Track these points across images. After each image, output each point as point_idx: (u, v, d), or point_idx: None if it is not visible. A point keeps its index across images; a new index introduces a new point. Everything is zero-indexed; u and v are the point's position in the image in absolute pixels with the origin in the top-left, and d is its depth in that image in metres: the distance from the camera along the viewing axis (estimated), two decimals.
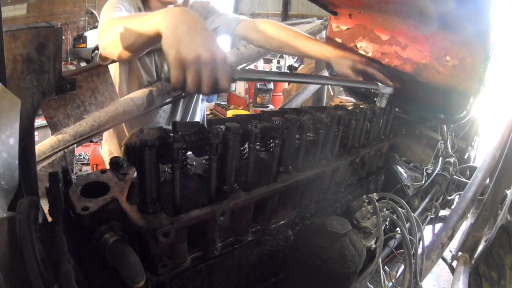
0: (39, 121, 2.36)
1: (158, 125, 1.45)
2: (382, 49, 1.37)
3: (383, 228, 0.89)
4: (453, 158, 1.59)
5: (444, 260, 1.48)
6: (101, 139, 2.17)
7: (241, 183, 0.72)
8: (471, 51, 1.08)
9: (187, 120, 1.75)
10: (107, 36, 0.98)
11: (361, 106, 1.16)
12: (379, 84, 1.14)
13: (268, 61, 8.34)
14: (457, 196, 1.60)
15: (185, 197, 0.71)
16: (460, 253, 1.33)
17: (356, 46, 1.47)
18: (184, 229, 0.64)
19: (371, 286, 0.91)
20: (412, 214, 0.94)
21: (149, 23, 0.79)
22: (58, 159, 1.32)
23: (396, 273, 1.08)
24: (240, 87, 7.30)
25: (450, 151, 1.63)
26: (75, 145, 1.38)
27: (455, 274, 1.22)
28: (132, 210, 0.60)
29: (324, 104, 2.89)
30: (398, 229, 0.91)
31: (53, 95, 0.82)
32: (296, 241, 0.82)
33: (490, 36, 1.00)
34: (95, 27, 10.86)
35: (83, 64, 9.55)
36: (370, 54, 1.42)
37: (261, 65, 7.81)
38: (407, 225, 0.92)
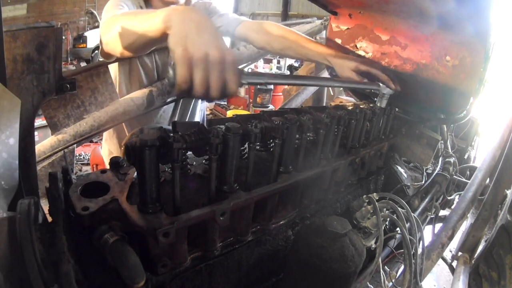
0: (39, 121, 2.36)
1: (158, 125, 1.45)
2: (382, 49, 1.37)
3: (383, 228, 0.89)
4: (453, 158, 1.59)
5: (444, 260, 1.48)
6: (101, 139, 2.17)
7: (241, 183, 0.72)
8: (471, 51, 1.08)
9: (187, 120, 1.75)
10: (111, 32, 0.96)
11: (361, 106, 1.16)
12: (380, 85, 1.14)
13: (268, 61, 8.34)
14: (457, 196, 1.60)
15: (185, 197, 0.71)
16: (460, 253, 1.33)
17: (356, 46, 1.47)
18: (184, 229, 0.64)
19: (371, 286, 0.91)
20: (412, 214, 0.94)
21: (155, 20, 0.77)
22: (58, 159, 1.32)
23: (396, 273, 1.08)
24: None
25: (450, 151, 1.63)
26: (75, 145, 1.38)
27: (455, 274, 1.22)
28: (132, 210, 0.60)
29: (324, 104, 2.89)
30: (398, 229, 0.91)
31: (53, 95, 0.82)
32: (296, 241, 0.82)
33: (490, 36, 1.00)
34: (95, 27, 10.87)
35: (83, 64, 9.55)
36: (370, 54, 1.42)
37: (261, 65, 7.81)
38: (407, 225, 0.92)
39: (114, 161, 0.74)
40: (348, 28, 1.48)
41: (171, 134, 0.60)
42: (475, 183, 1.34)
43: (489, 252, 1.22)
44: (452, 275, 1.26)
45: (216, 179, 0.66)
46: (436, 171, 1.46)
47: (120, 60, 1.44)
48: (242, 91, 7.26)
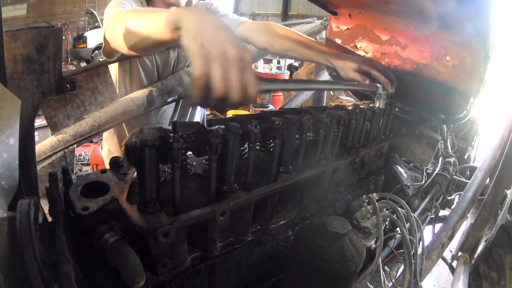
0: (39, 121, 2.36)
1: (158, 125, 1.45)
2: (382, 49, 1.37)
3: (383, 228, 0.89)
4: (453, 158, 1.59)
5: (444, 260, 1.48)
6: (101, 139, 2.17)
7: (241, 183, 0.72)
8: (471, 51, 1.08)
9: (187, 120, 1.75)
10: (119, 28, 0.93)
11: (361, 106, 1.16)
12: (378, 86, 1.15)
13: (268, 61, 8.33)
14: (457, 196, 1.60)
15: (185, 197, 0.71)
16: (460, 253, 1.33)
17: (356, 46, 1.47)
18: (184, 229, 0.64)
19: (371, 286, 0.91)
20: (412, 214, 0.94)
21: (167, 18, 0.73)
22: (58, 159, 1.32)
23: (396, 273, 1.08)
24: None
25: (450, 151, 1.63)
26: (75, 145, 1.38)
27: (455, 274, 1.22)
28: (132, 210, 0.60)
29: (324, 104, 2.89)
30: (398, 229, 0.91)
31: (53, 95, 0.82)
32: (296, 241, 0.82)
33: (490, 36, 1.00)
34: (95, 27, 10.87)
35: (83, 64, 9.55)
36: (370, 54, 1.42)
37: (261, 65, 7.80)
38: (407, 225, 0.92)
39: (114, 161, 0.74)
40: (348, 28, 1.48)
41: (171, 134, 0.60)
42: (475, 183, 1.34)
43: (489, 252, 1.22)
44: (452, 275, 1.26)
45: (216, 179, 0.66)
46: (436, 171, 1.46)
47: (120, 60, 1.44)
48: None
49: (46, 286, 0.46)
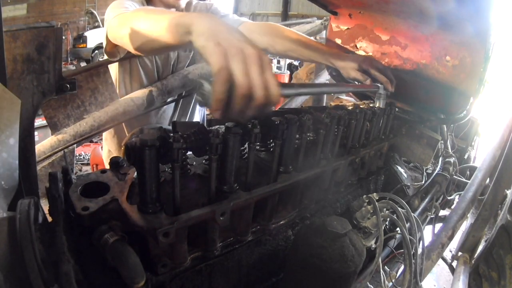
0: (39, 121, 2.36)
1: (158, 125, 1.45)
2: (382, 49, 1.37)
3: (383, 228, 0.89)
4: (453, 158, 1.59)
5: (444, 260, 1.48)
6: (101, 139, 2.17)
7: (241, 183, 0.72)
8: (471, 51, 1.08)
9: (187, 120, 1.76)
10: (126, 27, 0.91)
11: (361, 106, 1.16)
12: (379, 85, 1.15)
13: None
14: (457, 196, 1.60)
15: (185, 197, 0.71)
16: (460, 253, 1.33)
17: (356, 46, 1.47)
18: (184, 229, 0.64)
19: (371, 286, 0.91)
20: (412, 214, 0.94)
21: (177, 21, 0.71)
22: (58, 159, 1.32)
23: (396, 273, 1.07)
24: None
25: (450, 151, 1.63)
26: (75, 145, 1.38)
27: (455, 274, 1.22)
28: (132, 210, 0.60)
29: (324, 104, 2.89)
30: (398, 229, 0.91)
31: (53, 95, 0.82)
32: (296, 241, 0.82)
33: (490, 36, 1.00)
34: (95, 27, 10.87)
35: (83, 64, 9.55)
36: (370, 54, 1.42)
37: None
38: (407, 225, 0.92)
39: (114, 161, 0.74)
40: (348, 28, 1.48)
41: (171, 134, 0.60)
42: (475, 183, 1.34)
43: (489, 252, 1.22)
44: (452, 275, 1.26)
45: (216, 179, 0.66)
46: (436, 171, 1.46)
47: (120, 60, 1.44)
48: None
49: (46, 286, 0.46)
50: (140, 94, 1.50)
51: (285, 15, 11.86)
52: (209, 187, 0.66)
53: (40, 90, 0.79)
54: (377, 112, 1.08)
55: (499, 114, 2.02)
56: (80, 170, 4.32)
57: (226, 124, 0.65)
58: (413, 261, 0.86)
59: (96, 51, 9.83)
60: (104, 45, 1.22)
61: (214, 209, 0.65)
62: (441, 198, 1.47)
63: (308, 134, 0.86)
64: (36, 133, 0.88)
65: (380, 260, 0.86)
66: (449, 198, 1.55)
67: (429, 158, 1.30)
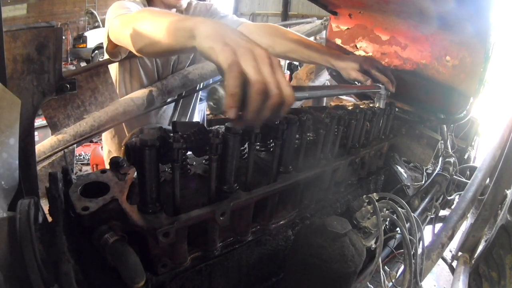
0: (39, 121, 2.36)
1: (158, 125, 1.45)
2: (382, 49, 1.37)
3: (383, 228, 0.89)
4: (453, 158, 1.59)
5: (444, 260, 1.48)
6: (101, 139, 2.17)
7: (241, 183, 0.72)
8: (471, 51, 1.08)
9: (187, 120, 1.76)
10: (128, 28, 0.90)
11: (361, 106, 1.16)
12: (381, 86, 1.15)
13: None
14: (457, 196, 1.60)
15: (185, 197, 0.71)
16: (460, 253, 1.33)
17: (356, 46, 1.47)
18: (184, 229, 0.64)
19: (371, 286, 0.91)
20: (412, 214, 0.94)
21: (180, 25, 0.69)
22: (58, 159, 1.32)
23: (396, 273, 1.08)
24: None
25: (450, 151, 1.63)
26: (75, 145, 1.38)
27: (455, 274, 1.22)
28: (132, 210, 0.60)
29: (324, 104, 2.89)
30: (398, 229, 0.91)
31: (53, 95, 0.82)
32: (296, 241, 0.82)
33: (490, 36, 1.00)
34: (95, 27, 10.87)
35: (83, 64, 9.55)
36: (370, 54, 1.42)
37: None
38: (407, 225, 0.92)
39: (114, 161, 0.74)
40: (348, 28, 1.48)
41: (171, 134, 0.60)
42: (475, 183, 1.34)
43: (489, 252, 1.22)
44: (452, 275, 1.26)
45: (216, 179, 0.66)
46: (436, 171, 1.46)
47: (121, 60, 1.44)
48: None
49: (46, 286, 0.46)
50: (140, 94, 1.50)
51: (285, 15, 11.86)
52: (209, 187, 0.66)
53: (40, 90, 0.79)
54: (377, 112, 1.08)
55: (499, 114, 2.02)
56: (80, 170, 4.32)
57: (226, 124, 0.65)
58: (413, 261, 0.86)
59: (96, 51, 9.83)
60: (104, 45, 1.22)
61: (214, 209, 0.65)
62: (441, 198, 1.47)
63: (308, 134, 0.86)
64: (36, 133, 0.88)
65: (380, 260, 0.86)
66: (449, 198, 1.55)
67: (429, 158, 1.30)
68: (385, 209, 0.95)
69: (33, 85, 0.77)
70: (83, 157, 4.54)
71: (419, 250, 0.91)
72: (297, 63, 7.88)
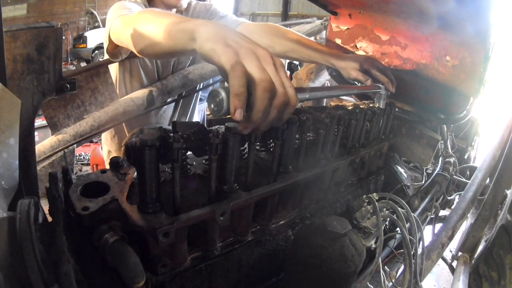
0: (39, 121, 2.36)
1: (158, 125, 1.45)
2: (382, 49, 1.37)
3: (383, 228, 0.89)
4: (453, 158, 1.59)
5: (444, 260, 1.48)
6: (101, 139, 2.17)
7: (241, 183, 0.72)
8: (471, 51, 1.08)
9: (187, 120, 1.76)
10: (129, 29, 0.89)
11: (361, 106, 1.16)
12: (381, 86, 1.15)
13: None
14: (457, 196, 1.60)
15: (185, 197, 0.71)
16: (460, 253, 1.33)
17: (356, 46, 1.47)
18: (184, 229, 0.64)
19: (371, 286, 0.91)
20: (412, 214, 0.94)
21: (180, 27, 0.69)
22: (58, 159, 1.32)
23: (396, 273, 1.08)
24: None
25: (450, 151, 1.63)
26: (75, 145, 1.38)
27: (455, 274, 1.22)
28: (132, 210, 0.60)
29: (324, 104, 2.89)
30: (398, 229, 0.91)
31: (53, 95, 0.82)
32: (296, 241, 0.82)
33: (490, 36, 1.00)
34: (95, 27, 10.87)
35: (83, 64, 9.55)
36: (370, 54, 1.42)
37: None
38: (407, 225, 0.92)
39: (114, 161, 0.74)
40: (348, 28, 1.48)
41: (171, 134, 0.60)
42: (475, 183, 1.34)
43: (489, 252, 1.22)
44: (452, 275, 1.26)
45: (216, 179, 0.66)
46: (436, 171, 1.46)
47: (121, 60, 1.44)
48: None
49: (46, 286, 0.46)
50: (140, 94, 1.51)
51: (285, 15, 11.85)
52: (209, 187, 0.66)
53: (40, 90, 0.79)
54: (377, 112, 1.08)
55: (499, 114, 2.02)
56: (80, 170, 4.32)
57: (226, 124, 0.65)
58: (413, 261, 0.86)
59: (96, 51, 9.83)
60: (105, 45, 1.22)
61: (214, 209, 0.65)
62: (441, 198, 1.47)
63: (308, 134, 0.86)
64: (36, 133, 0.88)
65: (380, 260, 0.86)
66: (449, 198, 1.55)
67: (429, 158, 1.30)
68: (385, 209, 0.95)
69: (33, 85, 0.77)
70: (83, 157, 4.55)
71: (419, 250, 0.91)
72: (297, 63, 7.88)
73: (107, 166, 0.77)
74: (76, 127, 1.34)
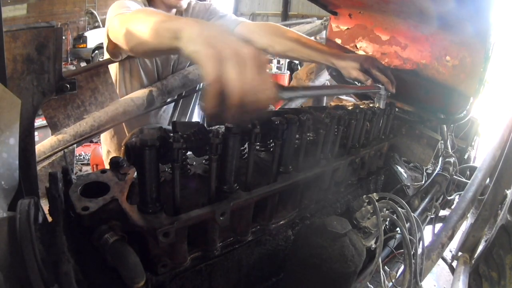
0: (39, 121, 2.36)
1: (158, 125, 1.45)
2: (382, 49, 1.37)
3: (383, 228, 0.89)
4: (453, 158, 1.59)
5: (444, 260, 1.48)
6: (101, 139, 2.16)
7: (241, 183, 0.72)
8: (471, 51, 1.08)
9: (187, 120, 1.76)
10: (123, 27, 0.89)
11: (361, 106, 1.16)
12: (381, 86, 1.14)
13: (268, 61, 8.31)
14: (457, 196, 1.60)
15: (185, 197, 0.71)
16: (460, 253, 1.33)
17: (356, 46, 1.47)
18: (184, 229, 0.64)
19: (371, 286, 0.91)
20: (412, 214, 0.94)
21: (167, 26, 0.69)
22: (58, 159, 1.32)
23: (396, 273, 1.07)
24: None
25: (450, 151, 1.63)
26: (75, 145, 1.38)
27: (455, 274, 1.22)
28: (132, 210, 0.60)
29: (324, 104, 2.89)
30: (398, 229, 0.91)
31: (53, 95, 0.82)
32: (296, 241, 0.82)
33: (490, 36, 1.00)
34: (95, 27, 10.87)
35: (83, 64, 9.54)
36: (370, 54, 1.42)
37: None
38: (407, 225, 0.92)
39: (114, 161, 0.74)
40: (348, 28, 1.48)
41: (171, 134, 0.60)
42: (475, 183, 1.34)
43: (489, 252, 1.22)
44: (452, 275, 1.26)
45: (216, 179, 0.66)
46: (436, 171, 1.46)
47: (121, 60, 1.44)
48: None
49: (46, 286, 0.46)
50: (140, 94, 1.50)
51: (285, 15, 11.85)
52: (209, 187, 0.66)
53: (40, 90, 0.79)
54: (377, 112, 1.08)
55: (499, 114, 2.02)
56: (80, 170, 4.32)
57: (226, 124, 0.65)
58: (413, 261, 0.86)
59: (96, 51, 9.83)
60: (105, 45, 1.22)
61: (214, 209, 0.65)
62: (441, 198, 1.47)
63: (308, 134, 0.86)
64: (36, 133, 0.88)
65: (380, 260, 0.86)
66: (449, 198, 1.55)
67: (429, 158, 1.30)
68: (385, 209, 0.95)
69: (33, 85, 0.77)
70: (83, 157, 4.54)
71: (419, 250, 0.91)
72: (297, 63, 7.88)
73: (107, 166, 0.77)
74: (76, 127, 1.34)
